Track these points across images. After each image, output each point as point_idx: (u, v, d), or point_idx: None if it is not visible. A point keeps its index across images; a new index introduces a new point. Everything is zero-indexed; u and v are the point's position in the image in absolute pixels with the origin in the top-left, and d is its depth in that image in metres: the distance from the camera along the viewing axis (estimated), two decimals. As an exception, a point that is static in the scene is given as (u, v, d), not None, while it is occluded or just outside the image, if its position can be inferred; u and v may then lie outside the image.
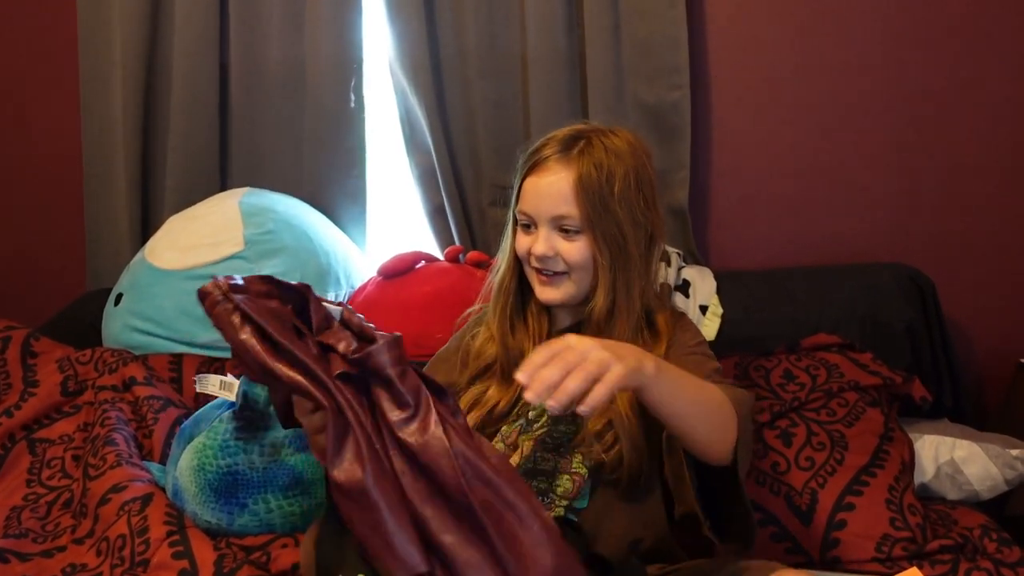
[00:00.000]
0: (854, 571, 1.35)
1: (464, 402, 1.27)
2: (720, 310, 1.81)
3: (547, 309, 1.31)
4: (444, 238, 2.08)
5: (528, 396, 0.87)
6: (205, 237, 1.85)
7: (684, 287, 1.84)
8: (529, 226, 1.23)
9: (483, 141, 2.01)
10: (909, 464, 1.53)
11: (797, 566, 1.35)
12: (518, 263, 1.29)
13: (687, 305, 1.81)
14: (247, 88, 2.08)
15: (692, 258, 1.97)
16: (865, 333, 1.73)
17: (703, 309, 1.82)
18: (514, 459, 1.22)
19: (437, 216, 2.08)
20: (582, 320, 1.27)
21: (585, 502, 1.20)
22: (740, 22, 1.93)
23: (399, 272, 1.90)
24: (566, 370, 0.87)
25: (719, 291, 1.84)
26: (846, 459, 1.47)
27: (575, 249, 1.20)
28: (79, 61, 2.13)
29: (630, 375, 0.90)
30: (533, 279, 1.27)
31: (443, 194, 2.03)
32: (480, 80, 1.98)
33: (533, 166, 1.22)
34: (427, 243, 2.11)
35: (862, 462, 1.47)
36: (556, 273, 1.23)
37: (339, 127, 2.06)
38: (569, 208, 1.18)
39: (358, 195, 2.11)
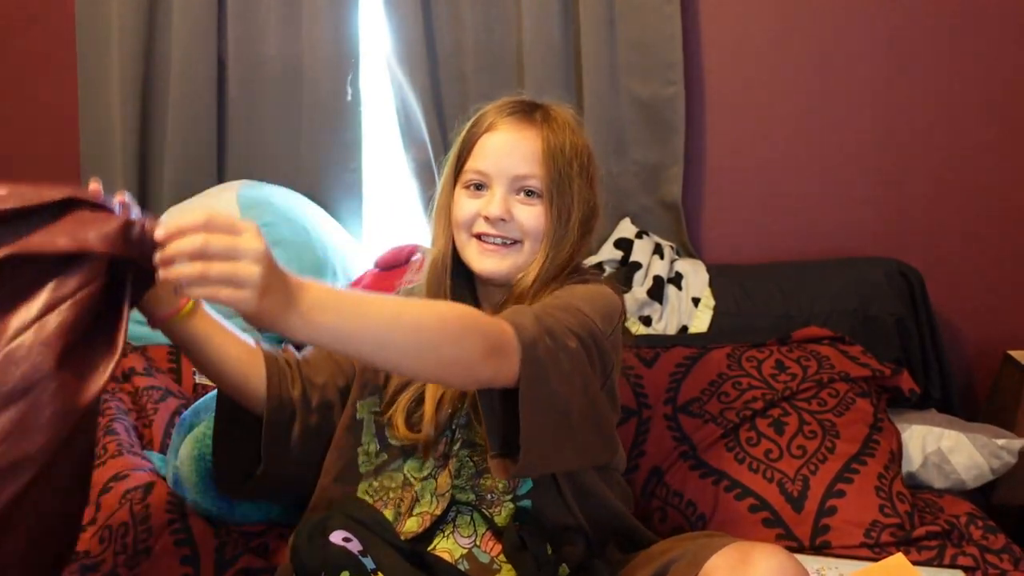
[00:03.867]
0: (842, 556, 1.37)
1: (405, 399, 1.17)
2: (712, 302, 1.84)
3: (475, 285, 1.20)
4: (440, 231, 2.10)
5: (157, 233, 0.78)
6: (203, 229, 1.86)
7: (677, 280, 1.86)
8: (481, 187, 1.14)
9: (479, 136, 2.03)
10: (897, 454, 1.56)
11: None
12: (454, 241, 1.18)
13: (680, 297, 1.84)
14: (244, 82, 2.09)
15: (685, 251, 1.99)
16: (855, 326, 1.76)
17: (695, 301, 1.84)
18: (444, 479, 1.15)
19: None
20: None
21: (529, 484, 1.14)
22: (734, 18, 1.95)
23: (395, 264, 1.92)
24: (208, 254, 0.76)
25: (711, 284, 1.86)
26: (837, 447, 1.49)
27: (533, 214, 1.12)
28: (76, 56, 2.13)
29: (253, 309, 0.77)
30: (471, 249, 1.15)
31: (439, 187, 2.05)
32: (476, 74, 2.00)
33: (490, 125, 1.14)
34: (423, 235, 2.13)
35: (852, 451, 1.49)
36: (506, 243, 1.14)
37: (336, 120, 2.07)
38: (534, 168, 1.11)
39: (355, 188, 2.13)
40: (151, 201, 2.17)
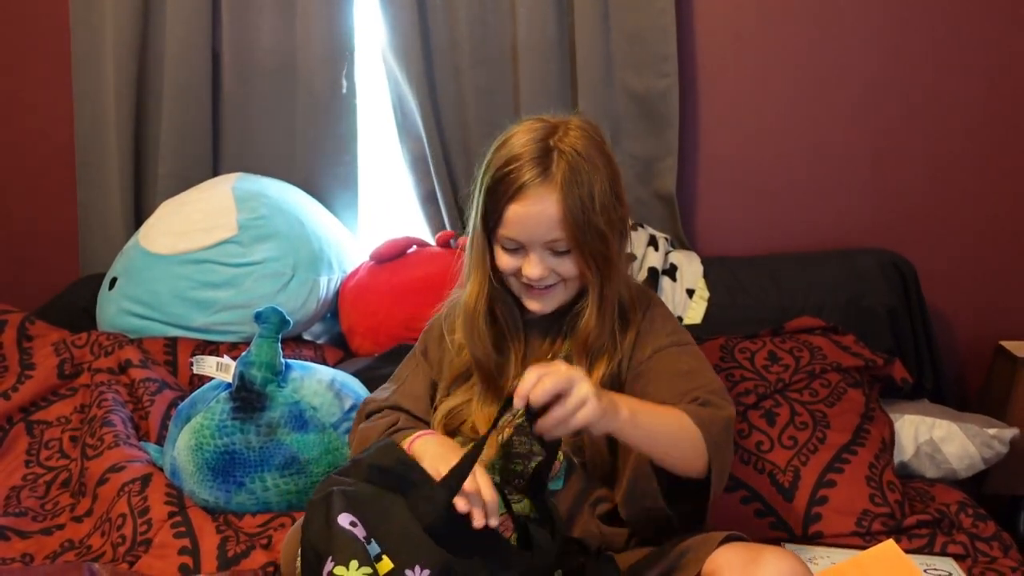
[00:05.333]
0: (833, 545, 1.39)
1: (442, 412, 1.29)
2: (706, 294, 1.85)
3: (522, 314, 1.31)
4: (435, 223, 2.11)
5: (516, 403, 0.99)
6: (198, 222, 1.87)
7: (671, 271, 1.87)
8: (516, 249, 1.22)
9: (474, 128, 2.03)
10: (889, 443, 1.57)
11: (779, 541, 1.39)
12: (491, 282, 1.27)
13: (674, 289, 1.85)
14: (239, 74, 2.09)
15: (680, 243, 2.00)
16: (848, 317, 1.77)
17: (690, 293, 1.85)
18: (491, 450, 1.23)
19: (428, 202, 2.10)
20: (563, 326, 1.27)
21: (560, 483, 1.22)
22: (728, 11, 1.96)
23: (391, 257, 1.92)
24: (555, 392, 0.97)
25: (706, 275, 1.87)
26: (828, 438, 1.51)
27: (567, 266, 1.21)
28: (71, 48, 2.13)
29: (600, 416, 0.99)
30: (521, 293, 1.26)
31: (434, 180, 2.05)
32: (471, 68, 2.00)
33: (514, 194, 1.18)
34: (419, 228, 2.13)
35: (843, 440, 1.51)
36: (550, 286, 1.24)
37: (331, 113, 2.08)
38: (558, 232, 1.18)
39: (350, 181, 2.13)
40: (146, 193, 2.17)
